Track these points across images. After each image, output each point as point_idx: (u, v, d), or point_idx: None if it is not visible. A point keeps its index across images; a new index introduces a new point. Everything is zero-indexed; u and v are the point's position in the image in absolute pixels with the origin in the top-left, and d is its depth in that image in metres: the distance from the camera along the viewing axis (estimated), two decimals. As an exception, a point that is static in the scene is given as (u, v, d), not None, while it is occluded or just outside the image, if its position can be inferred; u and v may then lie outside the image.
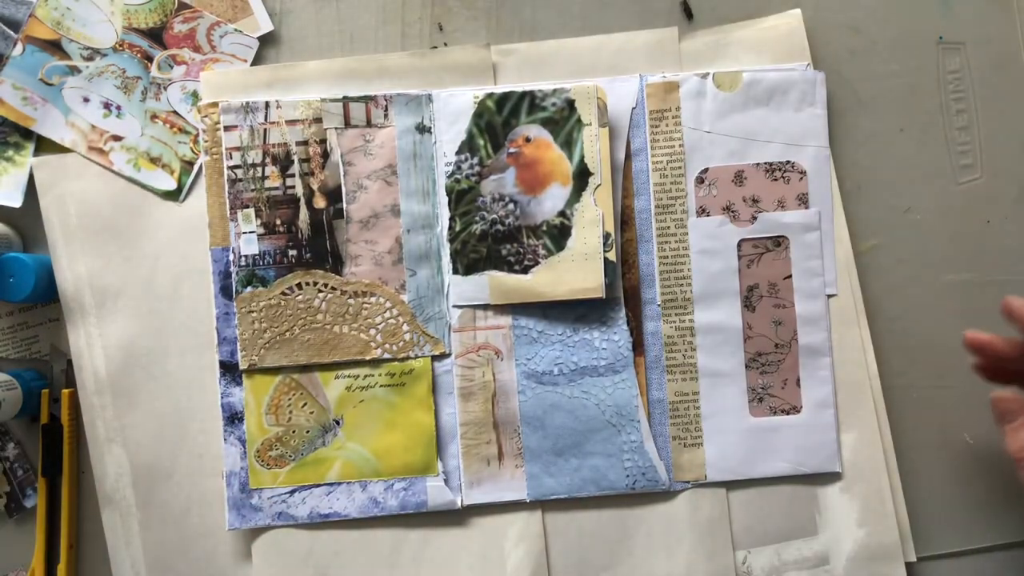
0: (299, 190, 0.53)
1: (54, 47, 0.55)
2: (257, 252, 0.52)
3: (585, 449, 0.53)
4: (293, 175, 0.53)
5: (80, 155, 0.55)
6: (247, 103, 0.52)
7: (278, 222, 0.52)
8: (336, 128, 0.53)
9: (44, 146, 0.55)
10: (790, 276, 0.53)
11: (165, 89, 0.55)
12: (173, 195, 0.54)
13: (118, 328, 0.54)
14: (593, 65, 0.54)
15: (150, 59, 0.55)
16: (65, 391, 0.55)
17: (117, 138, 0.55)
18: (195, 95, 0.55)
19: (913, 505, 0.54)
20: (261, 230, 0.52)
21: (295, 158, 0.53)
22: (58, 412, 0.55)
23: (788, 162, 0.53)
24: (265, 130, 0.52)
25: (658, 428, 0.53)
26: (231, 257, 0.52)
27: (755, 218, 0.53)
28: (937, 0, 0.56)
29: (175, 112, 0.55)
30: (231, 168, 0.52)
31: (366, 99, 0.53)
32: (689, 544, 0.53)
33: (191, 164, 0.54)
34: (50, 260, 0.54)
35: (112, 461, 0.54)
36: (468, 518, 0.54)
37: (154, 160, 0.54)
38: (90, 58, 0.55)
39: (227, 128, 0.52)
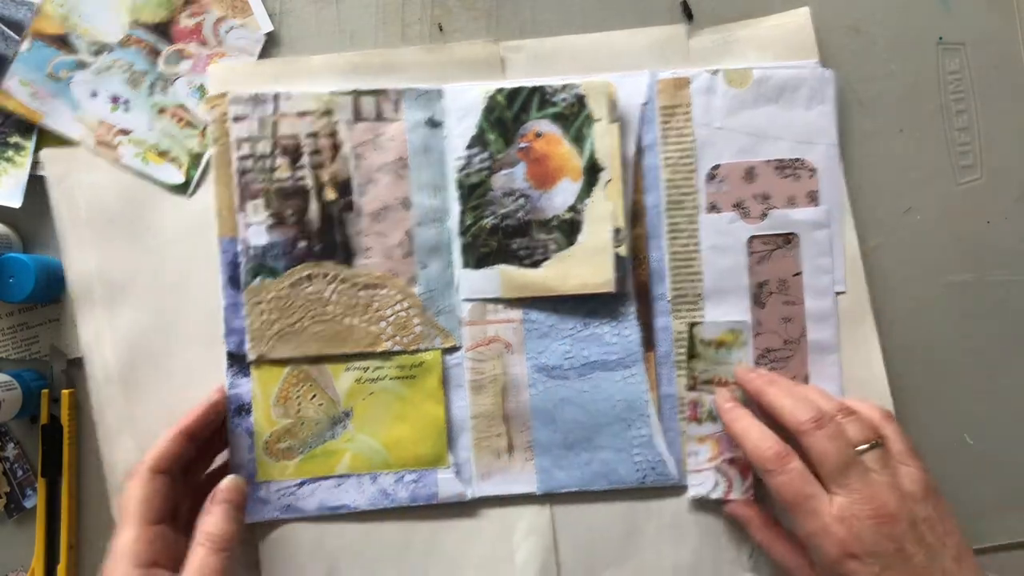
0: (309, 182, 0.52)
1: (61, 42, 0.54)
2: (266, 243, 0.52)
3: (595, 443, 0.53)
4: (303, 167, 0.52)
5: (88, 149, 0.54)
6: (256, 94, 0.52)
7: (288, 213, 0.52)
8: (346, 121, 0.53)
9: (46, 144, 0.55)
10: (799, 273, 0.54)
11: (172, 83, 0.55)
12: (181, 189, 0.54)
13: (127, 320, 0.54)
14: (601, 61, 0.54)
15: (157, 53, 0.55)
16: (65, 391, 0.54)
17: (125, 132, 0.55)
18: (202, 89, 0.55)
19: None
20: (270, 221, 0.52)
21: (305, 150, 0.52)
22: (58, 412, 0.54)
23: (798, 159, 0.54)
24: (275, 122, 0.52)
25: (668, 423, 0.53)
26: (240, 248, 0.52)
27: (765, 215, 0.54)
28: (937, 0, 0.56)
29: (183, 106, 0.55)
30: (240, 159, 0.52)
31: (376, 93, 0.53)
32: (696, 538, 0.53)
33: (199, 158, 0.54)
34: (50, 260, 0.54)
35: (121, 451, 0.54)
36: (477, 511, 0.54)
37: (162, 154, 0.54)
38: (97, 53, 0.55)
39: (236, 119, 0.52)
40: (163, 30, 0.55)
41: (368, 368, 0.53)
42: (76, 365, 0.55)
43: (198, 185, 0.55)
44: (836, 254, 0.54)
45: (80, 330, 0.54)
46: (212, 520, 0.45)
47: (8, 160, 0.54)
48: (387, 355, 0.53)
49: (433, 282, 0.53)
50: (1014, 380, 0.55)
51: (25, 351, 0.56)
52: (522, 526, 0.53)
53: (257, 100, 0.52)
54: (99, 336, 0.54)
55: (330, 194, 0.52)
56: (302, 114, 0.52)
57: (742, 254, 0.53)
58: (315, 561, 0.52)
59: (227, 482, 0.47)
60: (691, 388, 0.53)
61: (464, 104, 0.53)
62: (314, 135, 0.52)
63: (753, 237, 0.53)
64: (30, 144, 0.54)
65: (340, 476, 0.52)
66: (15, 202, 0.54)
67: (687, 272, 0.53)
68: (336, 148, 0.52)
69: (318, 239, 0.52)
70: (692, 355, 0.53)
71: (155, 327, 0.54)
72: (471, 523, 0.53)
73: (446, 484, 0.52)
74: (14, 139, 0.54)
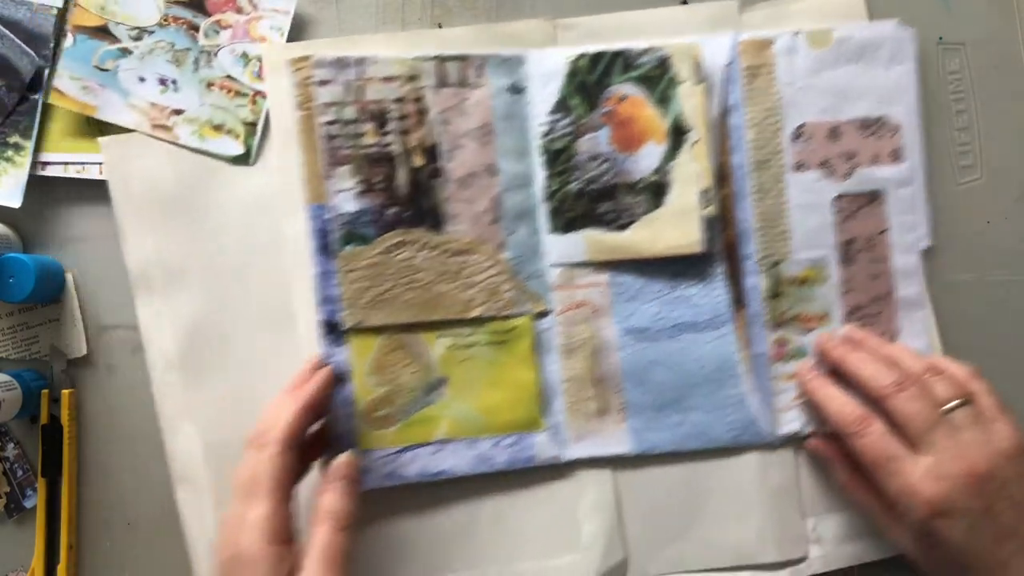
0: (396, 148, 0.52)
1: (103, 33, 0.54)
2: (356, 210, 0.52)
3: (687, 404, 0.53)
4: (390, 133, 0.52)
5: (146, 134, 0.54)
6: (340, 58, 0.52)
7: (376, 180, 0.52)
8: (431, 86, 0.52)
9: (47, 144, 0.54)
10: (886, 230, 0.54)
11: (216, 55, 0.54)
12: (242, 159, 0.54)
13: (187, 305, 0.53)
14: (654, 37, 0.54)
15: (196, 29, 0.54)
16: (65, 391, 0.54)
17: (178, 112, 0.54)
18: (246, 56, 0.54)
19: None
20: (359, 188, 0.52)
21: (392, 116, 0.52)
22: (58, 412, 0.54)
23: (881, 118, 0.54)
24: (359, 86, 0.52)
25: (759, 382, 0.53)
26: (329, 215, 0.52)
27: (850, 173, 0.54)
28: (937, 0, 0.56)
29: (230, 76, 0.54)
30: (326, 124, 0.52)
31: (460, 59, 0.53)
32: (759, 512, 0.53)
33: (253, 126, 0.54)
34: (50, 260, 0.54)
35: (183, 439, 0.53)
36: (541, 487, 0.53)
37: (217, 128, 0.54)
38: (138, 38, 0.54)
39: (322, 83, 0.52)
40: (198, 4, 0.54)
41: (460, 335, 0.52)
42: (76, 365, 0.55)
43: (258, 154, 0.54)
44: (919, 210, 0.54)
45: (139, 316, 0.54)
46: (333, 498, 0.45)
47: (8, 160, 0.53)
48: (479, 321, 0.53)
49: (521, 247, 0.53)
50: (1014, 380, 0.54)
51: (25, 351, 0.55)
52: (586, 503, 0.53)
53: (341, 64, 0.52)
54: (158, 322, 0.53)
55: (418, 160, 0.52)
56: (387, 79, 0.52)
57: (829, 212, 0.54)
58: (386, 528, 0.53)
59: (344, 458, 0.46)
60: (776, 327, 0.53)
61: (547, 69, 0.53)
62: (400, 100, 0.52)
63: (839, 195, 0.54)
64: (30, 144, 0.53)
65: (439, 442, 0.52)
66: (15, 202, 0.53)
67: (775, 232, 0.53)
68: (422, 114, 0.52)
69: (407, 205, 0.52)
70: (775, 294, 0.53)
71: (215, 310, 0.53)
72: (535, 500, 0.53)
73: (542, 447, 0.52)
74: (14, 139, 0.54)
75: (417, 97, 0.52)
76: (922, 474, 0.44)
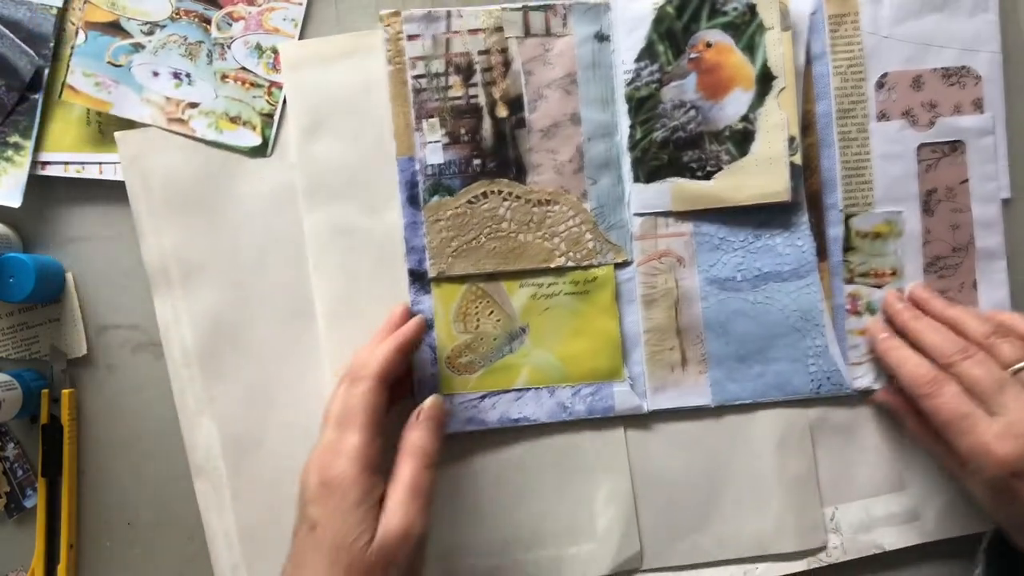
0: (482, 99, 0.52)
1: (114, 28, 0.53)
2: (442, 161, 0.52)
3: (769, 355, 0.53)
4: (475, 84, 0.52)
5: (162, 128, 0.53)
6: (429, 12, 0.52)
7: (462, 132, 0.52)
8: (516, 37, 0.52)
9: (46, 144, 0.54)
10: (966, 180, 0.54)
11: (229, 48, 0.54)
12: (260, 150, 0.54)
13: (204, 300, 0.54)
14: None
15: (208, 21, 0.54)
16: (65, 391, 0.54)
17: (193, 105, 0.54)
18: (259, 48, 0.54)
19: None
20: (446, 140, 0.52)
21: (477, 67, 0.52)
22: (58, 412, 0.54)
23: (963, 67, 0.54)
24: (447, 40, 0.52)
25: (842, 332, 0.54)
26: (417, 167, 0.52)
27: (933, 123, 0.53)
28: None
29: (244, 68, 0.54)
30: (415, 78, 0.52)
31: (545, 8, 0.52)
32: (777, 502, 0.54)
33: (270, 117, 0.54)
34: (50, 260, 0.54)
35: (202, 432, 0.54)
36: (559, 480, 0.54)
37: (234, 120, 0.54)
38: (150, 32, 0.54)
39: (410, 37, 0.52)
40: (210, -3, 0.54)
41: (542, 284, 0.53)
42: (76, 365, 0.55)
43: (275, 146, 0.54)
44: (1000, 160, 0.54)
45: (157, 311, 0.54)
46: (421, 435, 0.46)
47: (8, 160, 0.53)
48: (560, 271, 0.53)
49: (604, 197, 0.53)
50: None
51: (25, 351, 0.55)
52: (602, 495, 0.54)
53: (430, 18, 0.52)
54: (177, 318, 0.54)
55: (502, 111, 0.52)
56: (474, 31, 0.52)
57: (911, 162, 0.54)
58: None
59: (433, 400, 0.47)
60: (848, 281, 0.54)
61: (633, 16, 0.53)
62: (486, 52, 0.52)
63: (922, 145, 0.53)
64: (29, 144, 0.53)
65: (519, 390, 0.53)
66: (15, 202, 0.53)
67: (859, 181, 0.53)
68: (507, 65, 0.52)
69: (492, 157, 0.52)
70: (849, 248, 0.54)
71: (233, 305, 0.54)
72: (551, 492, 0.54)
73: (622, 397, 0.53)
74: (14, 139, 0.53)
75: (502, 48, 0.52)
76: (996, 434, 0.44)
